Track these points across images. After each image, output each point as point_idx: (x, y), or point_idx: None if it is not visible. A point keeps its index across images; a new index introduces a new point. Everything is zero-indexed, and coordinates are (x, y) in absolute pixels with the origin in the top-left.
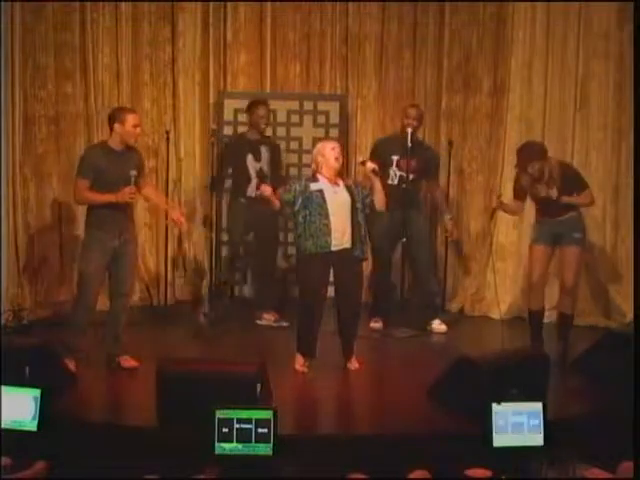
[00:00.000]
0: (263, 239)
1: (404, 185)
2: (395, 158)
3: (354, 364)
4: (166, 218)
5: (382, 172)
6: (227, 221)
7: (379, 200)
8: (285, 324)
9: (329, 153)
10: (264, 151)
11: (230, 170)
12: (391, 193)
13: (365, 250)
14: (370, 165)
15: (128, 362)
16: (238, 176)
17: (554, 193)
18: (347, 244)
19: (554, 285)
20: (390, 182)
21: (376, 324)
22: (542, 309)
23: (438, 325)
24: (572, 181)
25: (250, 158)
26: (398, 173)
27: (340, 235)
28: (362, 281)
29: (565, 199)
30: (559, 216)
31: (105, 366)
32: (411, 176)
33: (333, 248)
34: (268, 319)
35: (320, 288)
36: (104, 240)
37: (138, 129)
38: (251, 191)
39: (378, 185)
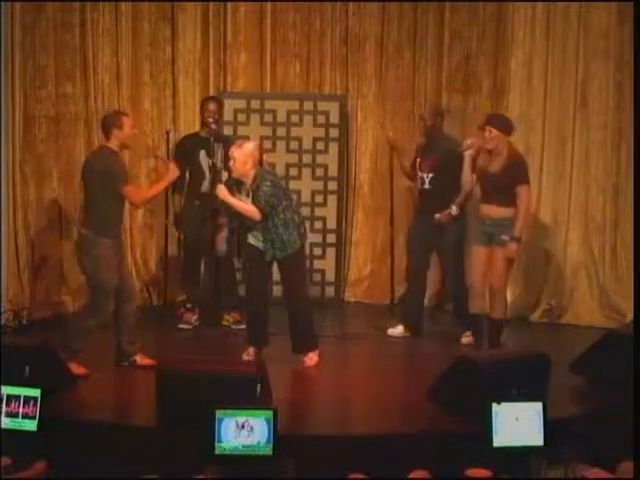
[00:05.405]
0: None
1: (425, 187)
2: (418, 159)
3: (312, 360)
4: (166, 218)
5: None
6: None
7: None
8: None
9: None
10: (217, 147)
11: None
12: (420, 197)
13: (283, 248)
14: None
15: (144, 360)
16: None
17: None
18: (260, 245)
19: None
20: (420, 186)
21: (466, 339)
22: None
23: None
24: None
25: (202, 154)
26: (419, 174)
27: (253, 238)
28: (298, 280)
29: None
30: None
31: (110, 366)
32: (430, 175)
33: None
34: (228, 320)
35: (259, 284)
36: (114, 246)
37: (134, 130)
38: (205, 188)
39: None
